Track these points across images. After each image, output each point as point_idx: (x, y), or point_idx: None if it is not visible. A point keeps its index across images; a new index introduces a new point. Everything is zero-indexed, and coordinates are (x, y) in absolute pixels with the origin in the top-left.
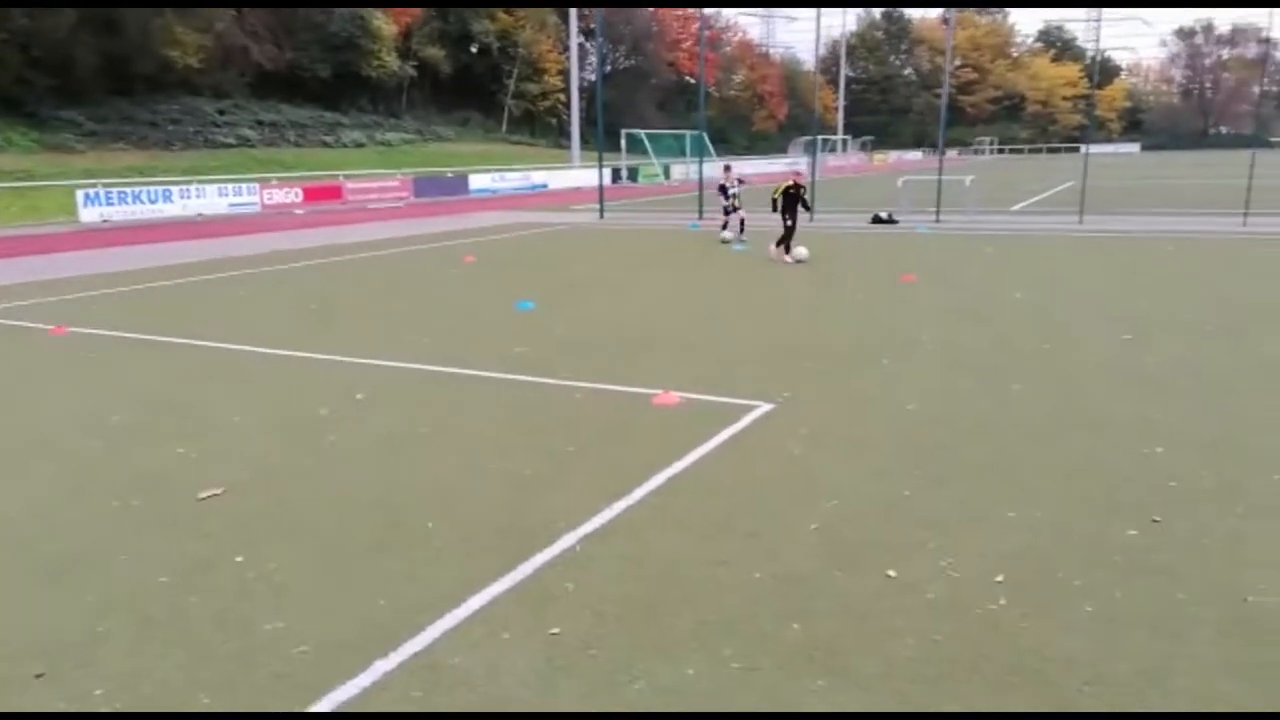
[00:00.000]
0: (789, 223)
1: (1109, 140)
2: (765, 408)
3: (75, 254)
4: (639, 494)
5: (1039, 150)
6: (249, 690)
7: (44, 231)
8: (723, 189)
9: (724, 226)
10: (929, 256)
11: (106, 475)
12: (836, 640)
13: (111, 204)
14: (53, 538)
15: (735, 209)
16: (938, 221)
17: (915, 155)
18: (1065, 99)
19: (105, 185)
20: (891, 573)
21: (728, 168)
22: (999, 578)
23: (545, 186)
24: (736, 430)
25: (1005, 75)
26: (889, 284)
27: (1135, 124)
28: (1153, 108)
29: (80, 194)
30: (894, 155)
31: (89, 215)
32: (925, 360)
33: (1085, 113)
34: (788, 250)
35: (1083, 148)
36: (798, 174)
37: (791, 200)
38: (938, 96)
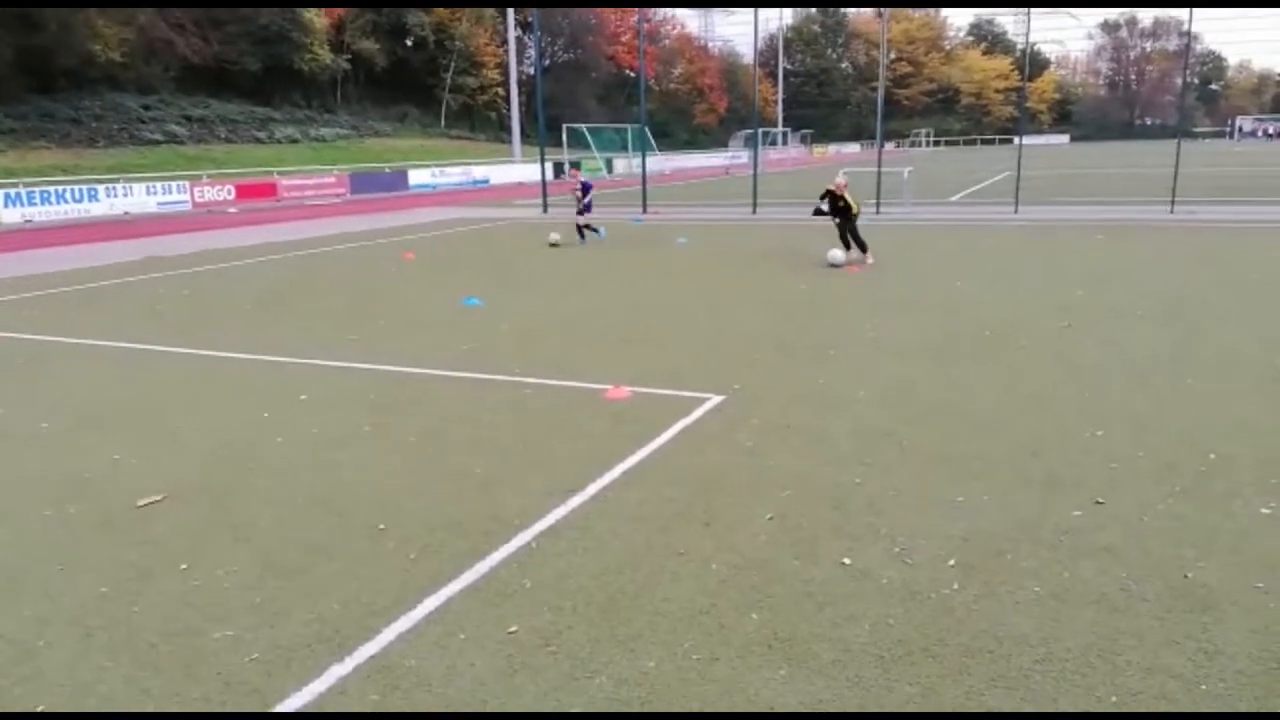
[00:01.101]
0: (839, 223)
1: (1040, 132)
2: (716, 400)
3: None
4: (593, 489)
5: (974, 142)
6: (199, 701)
7: None
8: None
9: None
10: (871, 248)
11: (38, 483)
12: (795, 628)
13: (34, 204)
14: None
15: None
16: (878, 213)
17: (854, 148)
18: (998, 91)
19: (27, 185)
20: (846, 560)
21: (575, 166)
22: (950, 561)
23: (487, 182)
24: (688, 423)
25: (939, 68)
26: (833, 275)
27: (1065, 115)
28: (1081, 99)
29: (0, 194)
30: (833, 148)
31: (10, 216)
32: (870, 350)
33: (1017, 105)
34: (863, 250)
35: (1015, 139)
36: (839, 184)
37: (837, 207)
38: (874, 89)
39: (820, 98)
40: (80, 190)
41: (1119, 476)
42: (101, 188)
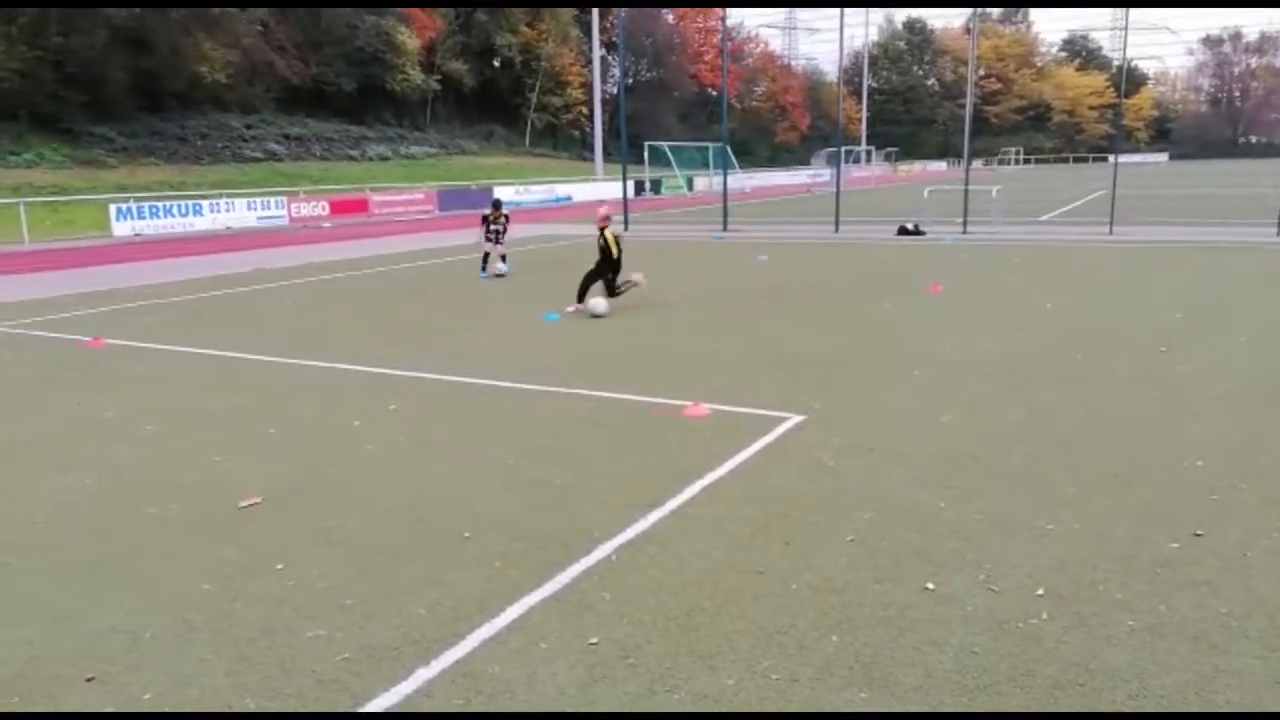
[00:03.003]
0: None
1: (1137, 150)
2: (796, 419)
3: (109, 267)
4: (673, 504)
5: (1065, 160)
6: (294, 697)
7: (78, 245)
8: (485, 219)
9: (488, 259)
10: (956, 267)
11: (144, 483)
12: (876, 651)
13: (143, 218)
14: (87, 544)
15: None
16: (965, 232)
17: (940, 166)
18: (1091, 108)
19: (137, 199)
20: (930, 585)
21: (496, 204)
22: (1039, 590)
23: (569, 199)
24: (769, 441)
25: (1030, 85)
26: (916, 295)
27: (1163, 133)
28: (1180, 116)
29: (113, 208)
30: (919, 166)
31: (121, 229)
32: (955, 371)
33: (1112, 122)
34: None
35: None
36: (601, 216)
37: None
38: (962, 107)
39: (905, 115)
40: (186, 205)
41: (1219, 508)
42: (206, 203)
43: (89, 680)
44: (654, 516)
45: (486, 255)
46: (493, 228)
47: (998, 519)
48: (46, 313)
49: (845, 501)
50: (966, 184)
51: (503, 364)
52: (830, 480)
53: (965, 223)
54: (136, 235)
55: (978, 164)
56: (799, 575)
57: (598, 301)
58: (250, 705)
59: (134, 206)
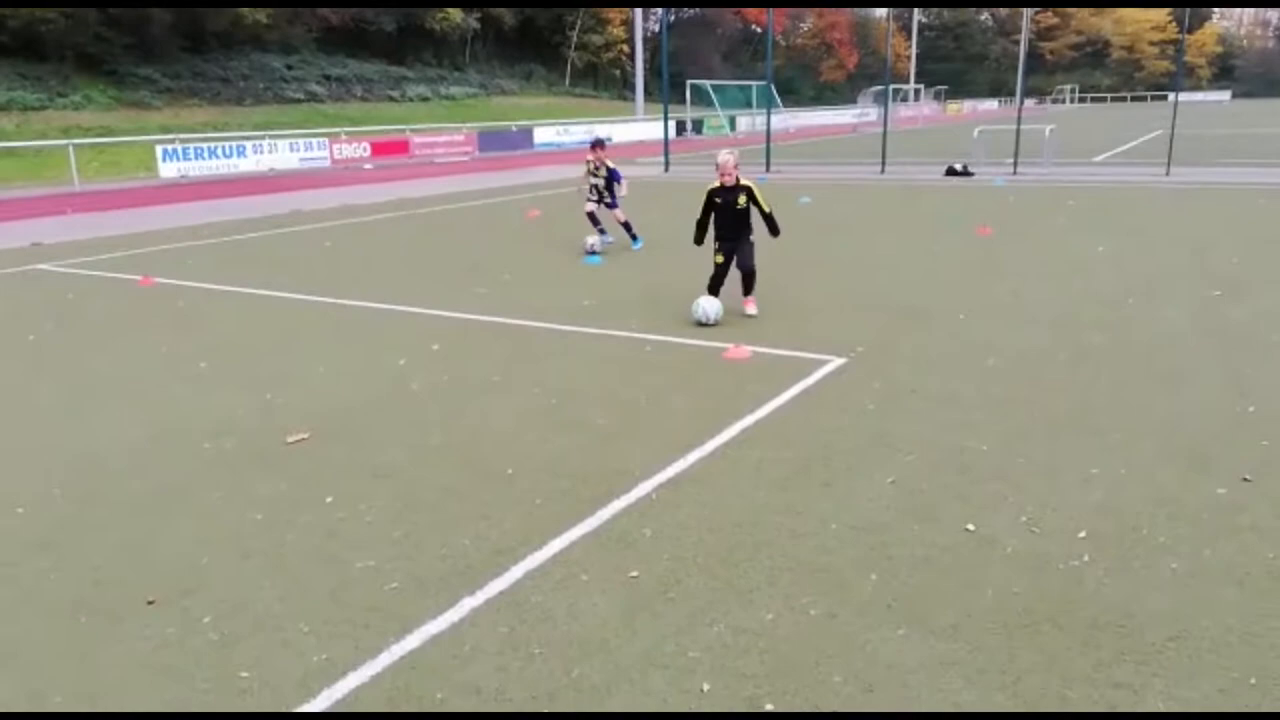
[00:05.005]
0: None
1: (1198, 88)
2: (838, 362)
3: (157, 208)
4: (712, 445)
5: (1123, 99)
6: (345, 623)
7: (126, 186)
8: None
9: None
10: (1006, 209)
11: (199, 418)
12: (915, 591)
13: (188, 159)
14: (147, 476)
15: (601, 199)
16: (1015, 173)
17: (991, 105)
18: (1152, 44)
19: (183, 141)
20: (970, 526)
21: (597, 143)
22: (1081, 534)
23: (609, 140)
24: (809, 384)
25: (1088, 20)
26: (965, 237)
27: (1226, 70)
28: (1246, 53)
29: (159, 149)
30: (968, 105)
31: (168, 170)
32: (1003, 314)
33: (1173, 59)
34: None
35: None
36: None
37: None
38: (1016, 43)
39: (956, 51)
40: (230, 147)
41: (1270, 454)
42: (249, 144)
43: (150, 603)
44: (694, 456)
45: (593, 216)
46: (593, 181)
47: (1041, 463)
48: (97, 252)
49: (886, 444)
50: (1019, 123)
51: (544, 306)
52: (871, 423)
53: (1016, 164)
54: (182, 176)
55: (1030, 102)
56: (838, 515)
57: (708, 304)
58: (304, 629)
59: (180, 148)
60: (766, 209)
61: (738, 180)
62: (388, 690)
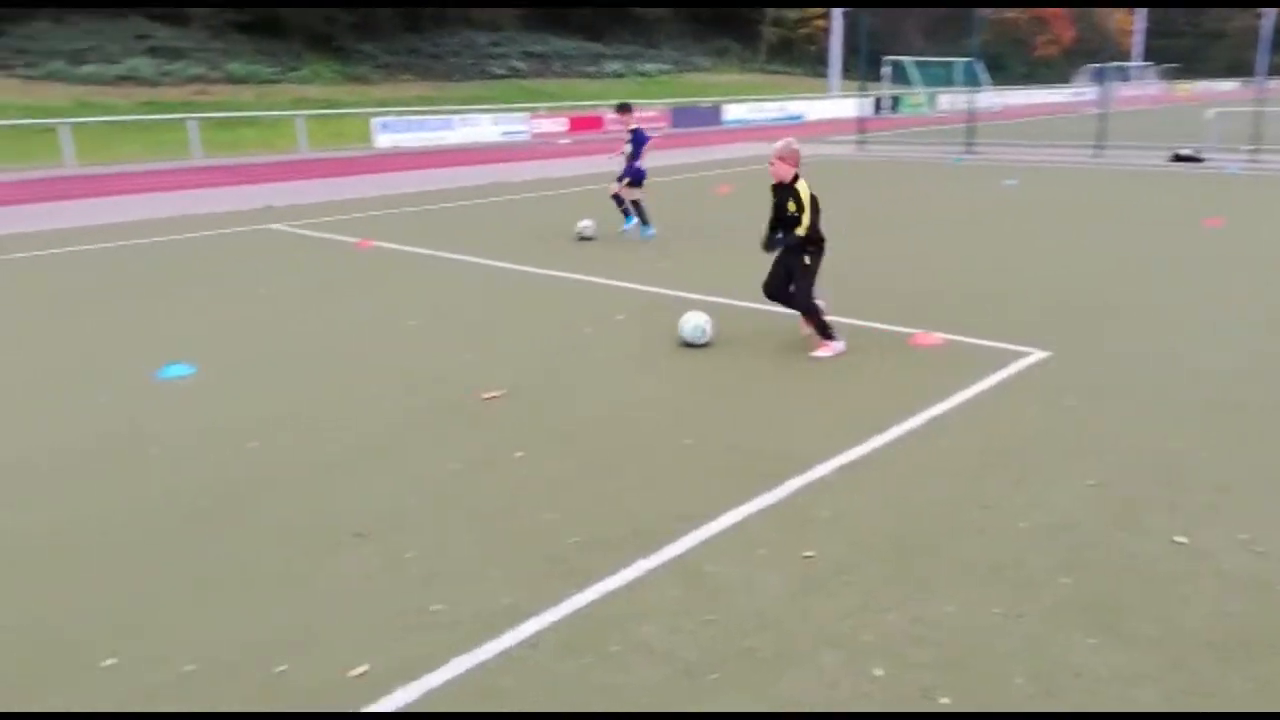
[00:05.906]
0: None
1: None
2: (1039, 355)
3: (372, 176)
4: (897, 431)
5: None
6: (529, 571)
7: (346, 155)
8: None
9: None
10: (1240, 199)
11: (405, 373)
12: (1112, 599)
13: (401, 131)
14: (352, 427)
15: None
16: (1253, 161)
17: (1228, 85)
18: None
19: (398, 113)
20: (1180, 538)
21: (622, 107)
22: None
23: (801, 118)
24: (1005, 376)
25: None
26: (1190, 229)
27: None
28: None
29: (376, 121)
30: (1201, 85)
31: (383, 142)
32: (1230, 314)
33: None
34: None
35: None
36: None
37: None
38: (1260, 16)
39: (1190, 27)
40: (438, 120)
41: None
42: (456, 117)
43: (357, 535)
44: (877, 441)
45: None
46: (626, 152)
47: (1268, 475)
48: (322, 215)
49: (1087, 444)
50: (1260, 106)
51: (727, 282)
52: (1072, 420)
53: (1256, 150)
54: (395, 147)
55: (1275, 83)
56: (1029, 513)
57: (695, 321)
58: (494, 574)
59: (394, 120)
60: (806, 222)
61: (791, 178)
62: (565, 636)
